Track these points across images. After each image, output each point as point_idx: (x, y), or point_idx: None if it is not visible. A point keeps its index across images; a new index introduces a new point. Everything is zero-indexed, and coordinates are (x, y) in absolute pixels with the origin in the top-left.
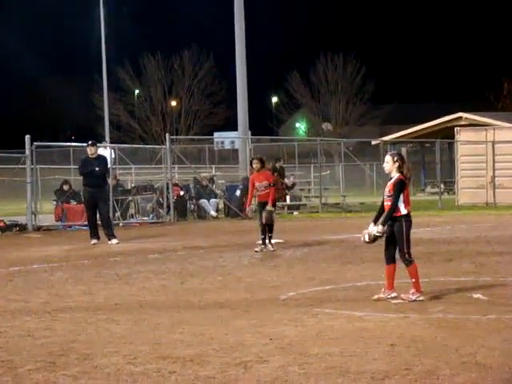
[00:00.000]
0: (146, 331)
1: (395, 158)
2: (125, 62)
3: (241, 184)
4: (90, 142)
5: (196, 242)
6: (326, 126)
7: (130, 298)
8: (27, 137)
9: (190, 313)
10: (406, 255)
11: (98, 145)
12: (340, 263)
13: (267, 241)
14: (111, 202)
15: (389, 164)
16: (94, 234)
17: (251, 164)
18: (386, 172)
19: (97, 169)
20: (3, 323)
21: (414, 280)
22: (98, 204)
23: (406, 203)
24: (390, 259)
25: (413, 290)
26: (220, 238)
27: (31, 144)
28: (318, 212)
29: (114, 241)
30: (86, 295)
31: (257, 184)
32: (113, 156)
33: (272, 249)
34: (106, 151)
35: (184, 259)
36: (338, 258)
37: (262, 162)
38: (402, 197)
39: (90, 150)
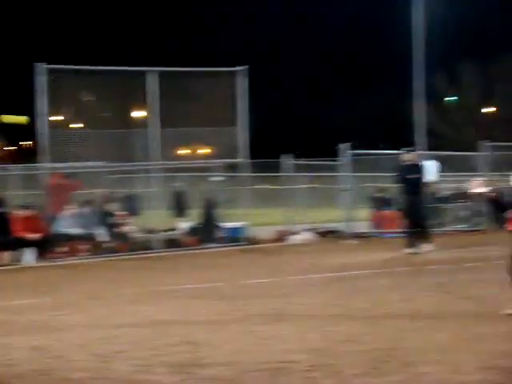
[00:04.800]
0: (468, 340)
1: None
2: (440, 68)
3: None
4: (405, 149)
5: None
6: None
7: (449, 307)
8: (343, 145)
9: None
10: None
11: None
12: None
13: None
14: (428, 210)
15: None
16: (411, 243)
17: None
18: None
19: (410, 176)
20: (325, 327)
21: None
22: (411, 211)
23: None
24: None
25: None
26: None
27: (347, 152)
28: None
29: (427, 248)
30: (405, 302)
31: None
32: (436, 168)
33: None
34: (431, 163)
35: (503, 268)
36: None
37: None
38: None
39: (406, 157)
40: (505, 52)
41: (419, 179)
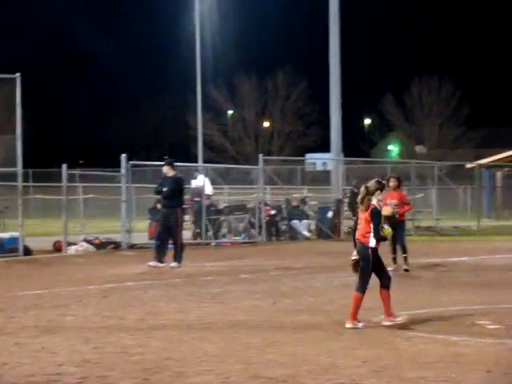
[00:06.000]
0: (238, 350)
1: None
2: (219, 82)
3: (333, 205)
4: (165, 162)
5: (288, 263)
6: (420, 148)
7: (223, 318)
8: (123, 156)
9: (282, 333)
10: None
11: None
12: (433, 287)
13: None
14: (204, 222)
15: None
16: (157, 256)
17: (388, 182)
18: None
19: (164, 189)
20: (99, 339)
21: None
22: (162, 224)
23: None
24: None
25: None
26: (312, 259)
27: (127, 163)
28: (410, 235)
29: (174, 264)
30: (178, 313)
31: (388, 201)
32: (206, 183)
33: (406, 267)
34: (204, 178)
35: (276, 279)
36: (431, 282)
37: (398, 180)
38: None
39: (164, 169)
40: (279, 69)
41: (171, 193)
